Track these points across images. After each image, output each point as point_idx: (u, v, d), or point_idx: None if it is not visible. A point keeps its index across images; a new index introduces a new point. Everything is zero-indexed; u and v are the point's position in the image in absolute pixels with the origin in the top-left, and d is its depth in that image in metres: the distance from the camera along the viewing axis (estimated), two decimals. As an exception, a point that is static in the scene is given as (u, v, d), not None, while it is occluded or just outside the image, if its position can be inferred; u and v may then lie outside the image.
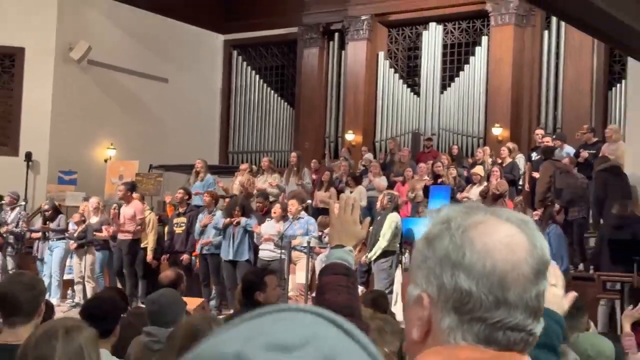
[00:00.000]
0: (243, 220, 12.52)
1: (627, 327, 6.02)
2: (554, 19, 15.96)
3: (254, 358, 0.69)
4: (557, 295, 2.41)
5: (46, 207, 14.90)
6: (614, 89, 15.91)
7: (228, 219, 12.59)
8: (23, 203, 15.51)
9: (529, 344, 1.25)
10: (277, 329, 0.75)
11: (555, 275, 2.46)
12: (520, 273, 1.21)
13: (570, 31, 15.40)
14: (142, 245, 13.44)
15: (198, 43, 20.41)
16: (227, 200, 13.73)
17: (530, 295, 1.22)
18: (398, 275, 11.53)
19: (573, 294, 2.68)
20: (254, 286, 5.57)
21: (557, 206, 12.08)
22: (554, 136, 14.92)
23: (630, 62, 12.69)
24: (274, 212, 12.58)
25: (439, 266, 1.23)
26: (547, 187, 12.93)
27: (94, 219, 14.07)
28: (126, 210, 13.34)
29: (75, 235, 13.90)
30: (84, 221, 13.84)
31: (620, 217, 11.21)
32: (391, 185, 14.42)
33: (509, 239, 1.23)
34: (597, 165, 12.54)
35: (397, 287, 11.39)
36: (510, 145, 14.96)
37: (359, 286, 11.59)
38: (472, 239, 1.22)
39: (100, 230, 13.80)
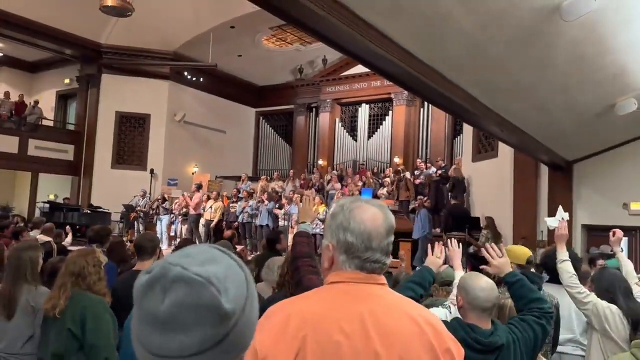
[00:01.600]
0: (267, 203, 12.67)
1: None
2: (426, 102, 16.00)
3: (170, 259, 0.76)
4: (437, 263, 2.50)
5: (160, 198, 14.87)
6: (456, 138, 15.86)
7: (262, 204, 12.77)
8: (148, 195, 15.41)
9: (383, 269, 1.28)
10: (187, 249, 0.80)
11: (441, 255, 2.57)
12: (379, 232, 1.26)
13: (434, 108, 15.48)
14: (207, 219, 13.39)
15: (241, 112, 20.23)
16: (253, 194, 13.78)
17: (384, 244, 1.27)
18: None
19: (444, 266, 2.73)
20: (274, 241, 5.59)
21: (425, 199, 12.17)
22: (427, 162, 15.02)
23: (465, 125, 12.83)
24: (283, 202, 12.66)
25: (337, 229, 1.28)
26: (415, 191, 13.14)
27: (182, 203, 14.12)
28: (194, 199, 13.44)
29: (181, 212, 13.90)
30: (186, 206, 13.90)
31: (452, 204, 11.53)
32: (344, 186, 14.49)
33: (373, 214, 1.27)
34: (432, 178, 12.94)
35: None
36: (402, 167, 15.07)
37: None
38: (354, 215, 1.27)
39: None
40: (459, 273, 2.91)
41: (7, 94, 16.62)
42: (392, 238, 1.30)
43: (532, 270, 3.44)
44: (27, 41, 15.66)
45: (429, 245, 2.71)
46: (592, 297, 3.19)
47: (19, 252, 3.27)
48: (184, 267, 0.74)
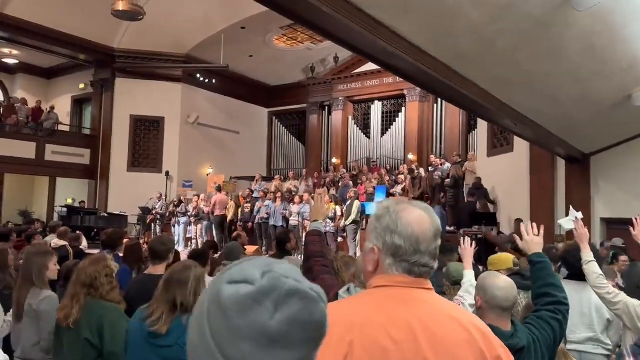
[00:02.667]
0: (279, 204, 12.64)
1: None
2: (439, 98, 15.87)
3: (278, 271, 0.70)
4: None
5: (176, 200, 14.96)
6: (471, 133, 15.73)
7: (274, 204, 12.72)
8: (164, 198, 15.54)
9: (430, 273, 1.25)
10: (277, 263, 0.73)
11: None
12: (427, 235, 1.23)
13: (448, 104, 15.30)
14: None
15: (254, 113, 20.32)
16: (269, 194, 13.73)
17: (432, 247, 1.24)
18: (359, 235, 11.49)
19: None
20: (284, 241, 5.53)
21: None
22: (441, 157, 14.92)
23: (479, 120, 12.72)
24: (296, 201, 12.62)
25: (384, 232, 1.25)
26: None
27: (201, 204, 14.13)
28: (215, 200, 13.48)
29: (193, 214, 13.92)
30: (196, 207, 13.91)
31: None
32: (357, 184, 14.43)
33: (420, 217, 1.25)
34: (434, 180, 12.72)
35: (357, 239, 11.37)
36: (416, 164, 15.00)
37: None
38: (401, 217, 1.24)
39: (204, 211, 13.86)
40: (469, 272, 2.89)
41: (24, 101, 16.88)
42: (439, 242, 1.28)
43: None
44: (42, 48, 15.90)
45: None
46: (622, 297, 3.13)
47: (29, 256, 3.37)
48: (297, 280, 0.70)
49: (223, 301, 0.69)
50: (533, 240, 2.52)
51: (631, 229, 3.51)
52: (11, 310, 3.41)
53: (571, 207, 3.49)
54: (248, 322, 0.67)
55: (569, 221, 3.36)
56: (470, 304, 2.71)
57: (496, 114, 6.48)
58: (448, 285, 3.15)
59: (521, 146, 10.35)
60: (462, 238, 3.12)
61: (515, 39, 4.53)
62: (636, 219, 3.47)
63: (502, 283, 2.22)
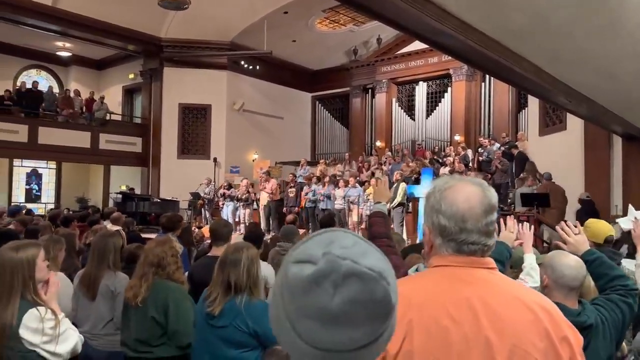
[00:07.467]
0: (327, 187, 12.69)
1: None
2: (487, 76, 15.49)
3: (336, 252, 0.72)
4: (510, 237, 2.46)
5: (226, 184, 15.26)
6: (521, 112, 15.23)
7: (322, 188, 12.80)
8: (213, 183, 15.85)
9: (485, 251, 1.22)
10: (339, 239, 0.75)
11: (514, 229, 2.56)
12: (474, 212, 1.20)
13: (496, 81, 14.93)
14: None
15: (298, 98, 20.38)
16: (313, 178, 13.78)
17: (482, 224, 1.20)
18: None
19: (519, 241, 2.68)
20: (329, 224, 5.56)
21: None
22: (489, 138, 14.58)
23: (530, 97, 12.34)
24: (341, 185, 12.62)
25: (431, 212, 1.25)
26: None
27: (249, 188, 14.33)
28: (265, 186, 13.59)
29: (242, 197, 14.12)
30: (248, 192, 14.11)
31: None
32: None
33: (469, 194, 1.22)
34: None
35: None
36: (463, 145, 14.73)
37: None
38: (445, 196, 1.23)
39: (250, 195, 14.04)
40: (530, 256, 2.83)
41: (77, 92, 17.53)
42: (492, 217, 1.23)
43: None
44: (93, 40, 16.42)
45: (501, 220, 2.60)
46: None
47: (105, 239, 3.53)
48: (355, 261, 0.71)
49: (289, 281, 0.73)
50: (578, 241, 2.44)
51: (632, 230, 3.08)
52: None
53: (630, 205, 3.28)
54: (310, 303, 0.71)
55: (627, 221, 3.16)
56: (531, 287, 2.66)
57: (549, 90, 6.27)
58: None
59: (575, 124, 10.00)
60: (521, 223, 3.03)
61: (570, 12, 4.35)
62: (636, 220, 3.10)
63: (572, 262, 2.17)
